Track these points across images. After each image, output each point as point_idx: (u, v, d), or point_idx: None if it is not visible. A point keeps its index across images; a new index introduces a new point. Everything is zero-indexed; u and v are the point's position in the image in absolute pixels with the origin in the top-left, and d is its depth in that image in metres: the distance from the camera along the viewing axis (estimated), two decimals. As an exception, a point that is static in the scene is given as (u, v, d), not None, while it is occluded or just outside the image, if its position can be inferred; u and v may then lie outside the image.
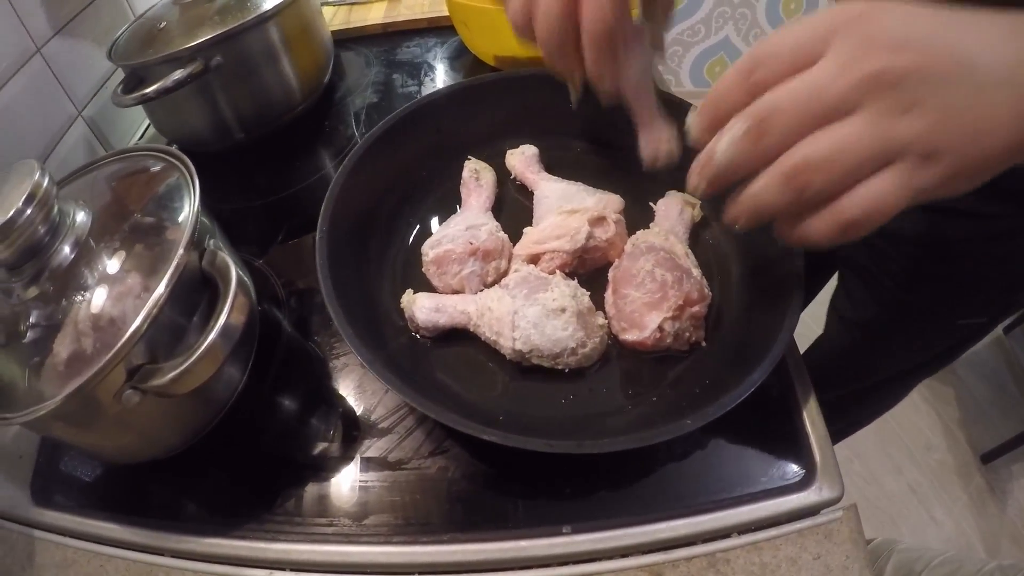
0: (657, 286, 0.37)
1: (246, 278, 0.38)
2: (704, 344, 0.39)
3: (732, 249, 0.44)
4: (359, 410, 0.40)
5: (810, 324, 0.56)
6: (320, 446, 0.39)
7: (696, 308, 0.38)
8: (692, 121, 0.27)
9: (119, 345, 0.28)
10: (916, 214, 0.52)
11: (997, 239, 0.49)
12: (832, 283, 0.71)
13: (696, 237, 0.45)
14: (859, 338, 0.67)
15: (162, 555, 0.35)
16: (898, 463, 1.22)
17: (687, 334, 0.38)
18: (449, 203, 0.49)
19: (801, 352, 0.42)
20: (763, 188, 0.24)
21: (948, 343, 0.63)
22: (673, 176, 0.49)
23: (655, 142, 0.38)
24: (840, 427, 0.89)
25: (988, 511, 1.14)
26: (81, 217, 0.33)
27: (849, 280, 0.65)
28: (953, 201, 0.47)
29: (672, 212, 0.44)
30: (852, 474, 1.20)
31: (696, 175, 0.27)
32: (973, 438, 1.25)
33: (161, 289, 0.30)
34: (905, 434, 1.26)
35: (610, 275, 0.42)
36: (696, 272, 0.39)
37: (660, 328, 0.37)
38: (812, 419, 0.37)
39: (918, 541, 1.06)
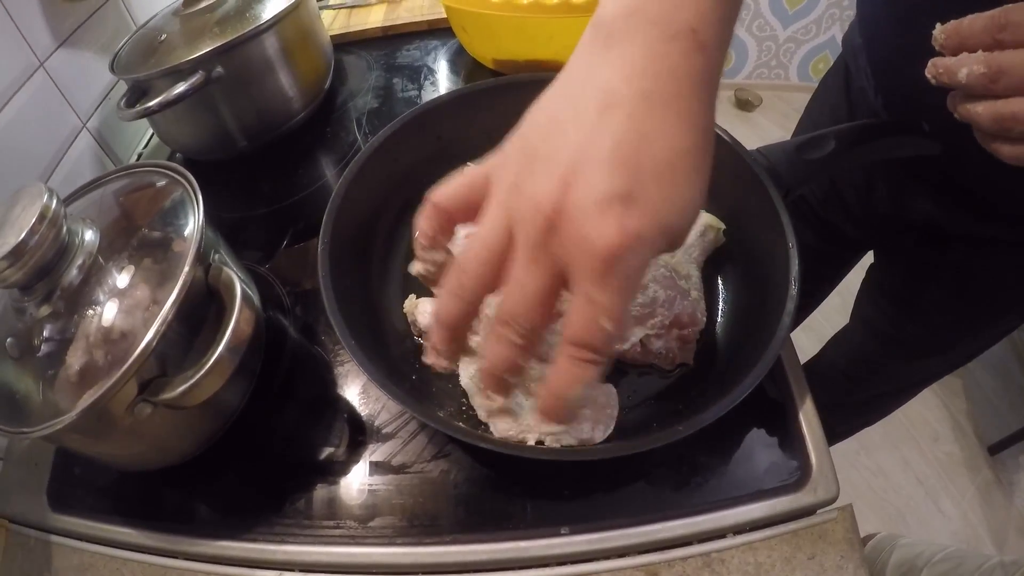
0: (648, 301, 0.37)
1: (251, 290, 0.39)
2: (691, 364, 0.38)
3: (739, 277, 0.43)
4: (364, 415, 0.41)
5: (800, 340, 0.54)
6: (326, 451, 0.40)
7: (686, 331, 0.37)
8: None
9: (130, 361, 0.29)
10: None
11: None
12: (855, 283, 0.70)
13: (714, 262, 0.44)
14: (889, 347, 0.66)
15: (176, 557, 0.37)
16: (905, 455, 1.22)
17: (671, 354, 0.38)
18: (449, 209, 0.50)
19: (822, 347, 0.40)
20: None
21: (973, 350, 0.63)
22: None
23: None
24: (847, 427, 0.89)
25: (995, 503, 1.13)
26: (89, 236, 0.34)
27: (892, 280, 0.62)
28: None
29: (692, 231, 0.43)
30: (859, 466, 1.20)
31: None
32: (981, 430, 1.24)
33: (168, 306, 0.31)
34: (912, 426, 1.26)
35: (609, 279, 0.42)
36: (695, 294, 0.39)
37: (641, 343, 0.37)
38: (808, 420, 0.37)
39: (922, 535, 1.06)
